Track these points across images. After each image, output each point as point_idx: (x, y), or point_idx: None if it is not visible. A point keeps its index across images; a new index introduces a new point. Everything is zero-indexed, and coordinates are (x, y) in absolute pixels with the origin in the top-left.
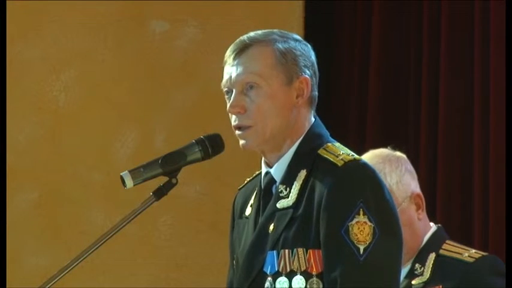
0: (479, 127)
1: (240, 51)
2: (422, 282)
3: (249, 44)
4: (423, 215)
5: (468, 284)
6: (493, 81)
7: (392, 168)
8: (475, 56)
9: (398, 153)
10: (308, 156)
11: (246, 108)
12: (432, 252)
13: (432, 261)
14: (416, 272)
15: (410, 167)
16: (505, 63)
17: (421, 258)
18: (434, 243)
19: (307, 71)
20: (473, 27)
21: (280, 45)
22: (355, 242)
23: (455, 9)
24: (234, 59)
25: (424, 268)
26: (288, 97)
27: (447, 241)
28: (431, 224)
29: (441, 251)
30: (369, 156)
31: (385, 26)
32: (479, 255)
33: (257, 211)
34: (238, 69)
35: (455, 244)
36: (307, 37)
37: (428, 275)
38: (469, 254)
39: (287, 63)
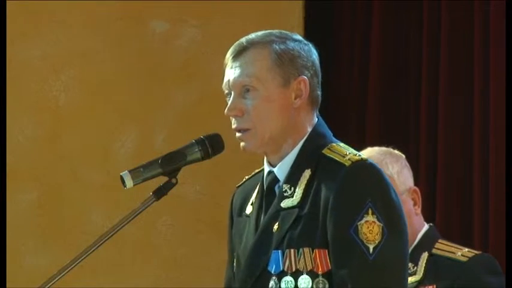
0: (479, 127)
1: (237, 54)
2: (416, 282)
3: (247, 46)
4: (419, 211)
5: (462, 283)
6: (493, 80)
7: (393, 160)
8: (474, 56)
9: (397, 151)
10: (312, 156)
11: (244, 111)
12: (425, 251)
13: (425, 261)
14: (409, 271)
15: (407, 164)
16: (505, 63)
17: (413, 257)
18: (427, 242)
19: (306, 72)
20: (473, 27)
21: (277, 47)
22: (365, 241)
23: (455, 10)
24: (232, 61)
25: (417, 267)
26: (285, 99)
27: (439, 240)
28: (424, 222)
29: (434, 250)
30: (369, 151)
31: (385, 26)
32: (473, 254)
33: (259, 210)
34: (236, 72)
35: (447, 243)
36: (307, 37)
37: (421, 274)
38: (462, 253)
39: (284, 65)
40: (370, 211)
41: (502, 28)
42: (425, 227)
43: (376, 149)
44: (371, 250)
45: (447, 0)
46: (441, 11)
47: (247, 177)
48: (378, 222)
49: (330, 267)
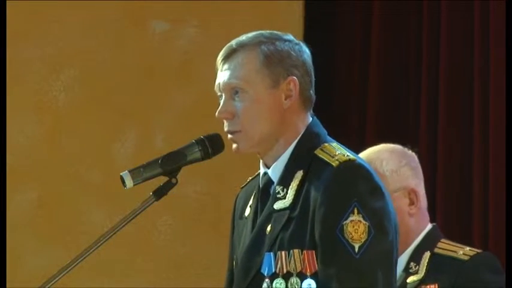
0: (479, 127)
1: (227, 57)
2: (418, 280)
3: (236, 48)
4: (416, 211)
5: (464, 282)
6: (492, 80)
7: (392, 157)
8: (474, 56)
9: (408, 151)
10: (305, 157)
11: (234, 114)
12: (427, 250)
13: (427, 260)
14: (411, 271)
15: (415, 165)
16: (505, 63)
17: (415, 256)
18: (429, 241)
19: (296, 72)
20: (473, 27)
21: (265, 48)
22: (350, 240)
23: (455, 9)
24: (223, 64)
25: (419, 266)
26: (275, 100)
27: (442, 240)
28: (427, 222)
29: (436, 250)
30: (378, 148)
31: (385, 26)
32: (474, 252)
33: (255, 212)
34: (226, 74)
35: (449, 242)
36: (307, 37)
37: (423, 274)
38: (464, 251)
39: (272, 66)
40: (356, 210)
41: (502, 28)
42: (429, 226)
43: (386, 145)
44: (356, 249)
45: (447, 0)
46: (441, 11)
47: (250, 177)
48: (363, 221)
49: (317, 268)
